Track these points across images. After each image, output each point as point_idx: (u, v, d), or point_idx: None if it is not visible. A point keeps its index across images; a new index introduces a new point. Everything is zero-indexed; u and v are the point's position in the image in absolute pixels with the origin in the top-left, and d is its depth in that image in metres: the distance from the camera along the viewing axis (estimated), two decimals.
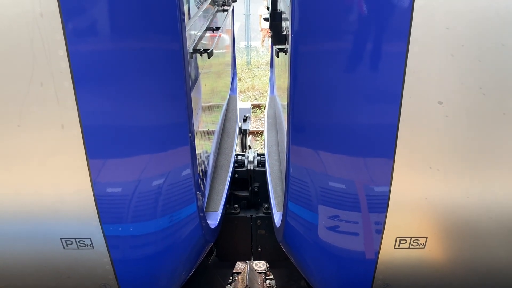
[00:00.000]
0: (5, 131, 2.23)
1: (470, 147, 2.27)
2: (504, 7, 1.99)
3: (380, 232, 2.54)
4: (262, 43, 17.84)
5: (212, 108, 4.04)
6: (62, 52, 2.06)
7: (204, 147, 3.29)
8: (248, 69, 15.64)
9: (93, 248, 2.58)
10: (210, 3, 3.92)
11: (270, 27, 3.03)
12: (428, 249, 2.61)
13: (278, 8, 3.12)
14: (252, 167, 4.28)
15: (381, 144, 2.31)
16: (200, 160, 2.95)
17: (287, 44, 2.51)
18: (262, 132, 9.30)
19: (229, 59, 6.28)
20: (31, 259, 2.67)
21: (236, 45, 7.93)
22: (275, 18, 2.95)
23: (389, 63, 2.15)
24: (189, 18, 2.76)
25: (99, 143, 2.29)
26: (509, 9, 2.00)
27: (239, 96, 7.08)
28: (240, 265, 5.68)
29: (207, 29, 3.58)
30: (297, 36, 2.22)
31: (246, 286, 5.01)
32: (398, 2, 2.04)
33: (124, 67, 2.18)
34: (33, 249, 2.62)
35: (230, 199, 4.20)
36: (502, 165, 2.31)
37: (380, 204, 2.45)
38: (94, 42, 2.11)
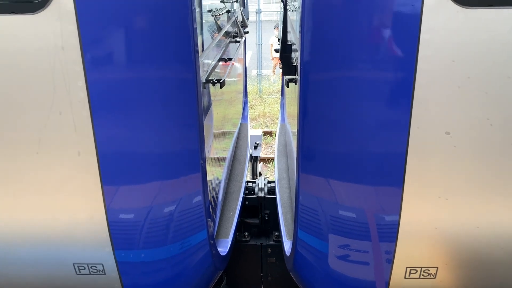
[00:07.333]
0: (24, 158, 2.30)
1: (478, 177, 2.28)
2: (509, 40, 2.04)
3: (390, 261, 2.53)
4: (273, 71, 18.06)
5: (223, 135, 4.10)
6: (81, 82, 2.15)
7: (215, 173, 3.33)
8: (260, 96, 15.79)
9: (105, 274, 2.61)
10: (223, 35, 4.03)
11: (281, 58, 3.10)
12: (439, 280, 2.58)
13: (288, 40, 3.20)
14: (262, 194, 4.28)
15: (389, 173, 2.33)
16: (211, 187, 2.99)
17: (297, 75, 2.57)
18: (272, 159, 9.32)
19: (241, 87, 6.39)
20: (43, 284, 2.70)
21: (248, 73, 8.07)
22: (285, 50, 3.02)
23: (397, 94, 2.20)
24: (203, 49, 2.85)
25: (113, 170, 2.35)
26: None
27: (250, 123, 7.16)
28: None
29: (220, 59, 3.68)
30: (306, 67, 2.28)
31: None
32: (404, 34, 2.10)
33: (139, 97, 2.26)
34: (46, 273, 2.65)
35: (241, 227, 4.20)
36: (511, 195, 2.31)
37: (390, 233, 2.45)
38: (111, 73, 2.20)
